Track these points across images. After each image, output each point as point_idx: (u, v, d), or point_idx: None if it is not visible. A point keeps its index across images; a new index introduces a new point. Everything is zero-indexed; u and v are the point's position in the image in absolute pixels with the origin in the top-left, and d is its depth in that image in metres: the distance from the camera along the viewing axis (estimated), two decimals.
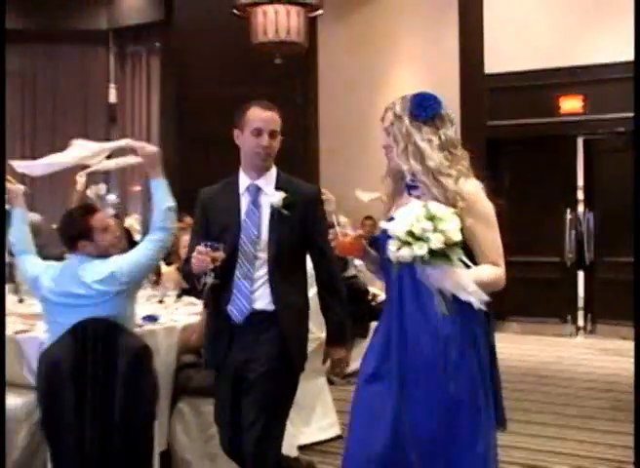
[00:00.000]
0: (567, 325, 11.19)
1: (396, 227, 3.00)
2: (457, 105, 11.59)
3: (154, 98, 13.46)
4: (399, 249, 2.98)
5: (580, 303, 11.42)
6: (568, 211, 11.20)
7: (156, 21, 12.91)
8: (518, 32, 11.08)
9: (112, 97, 13.78)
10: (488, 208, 3.29)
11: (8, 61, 13.64)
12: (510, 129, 11.33)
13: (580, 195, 11.52)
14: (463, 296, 3.04)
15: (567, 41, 10.76)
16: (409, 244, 2.95)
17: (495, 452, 3.29)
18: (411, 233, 2.95)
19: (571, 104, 10.96)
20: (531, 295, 11.20)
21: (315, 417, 6.03)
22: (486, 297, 3.04)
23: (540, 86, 10.96)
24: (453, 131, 3.37)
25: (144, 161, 4.51)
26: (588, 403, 7.34)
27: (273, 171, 4.09)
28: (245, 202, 4.02)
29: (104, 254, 4.54)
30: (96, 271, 4.43)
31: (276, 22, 8.95)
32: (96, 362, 4.19)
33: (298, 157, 10.64)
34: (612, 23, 9.78)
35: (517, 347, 10.17)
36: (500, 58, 11.29)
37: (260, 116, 3.98)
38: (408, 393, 3.17)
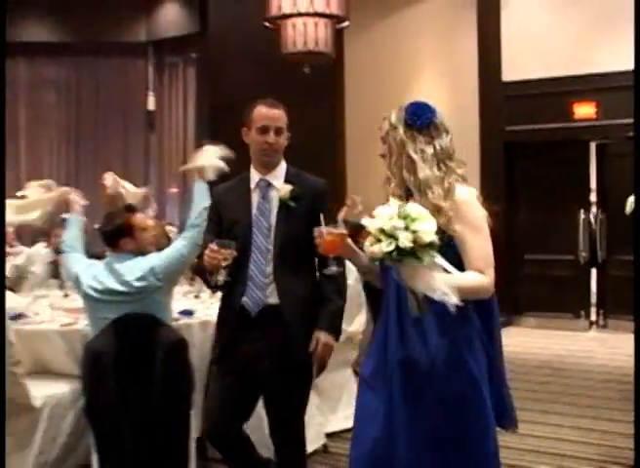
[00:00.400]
0: (580, 320, 11.14)
1: (371, 224, 2.89)
2: (476, 112, 11.65)
3: (190, 106, 13.53)
4: (372, 245, 2.87)
5: (593, 299, 11.36)
6: (581, 211, 11.15)
7: (192, 34, 12.97)
8: (534, 42, 11.08)
9: (151, 105, 13.86)
10: (478, 216, 3.16)
11: (55, 73, 13.84)
12: (527, 134, 11.30)
13: (593, 197, 11.47)
14: (436, 297, 2.87)
15: (580, 50, 10.72)
16: (379, 241, 2.84)
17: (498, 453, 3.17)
18: (382, 230, 2.83)
19: (584, 110, 10.91)
20: (546, 292, 11.18)
21: (342, 406, 6.04)
22: (454, 301, 2.84)
23: (554, 93, 10.92)
24: (448, 140, 3.22)
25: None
26: (602, 393, 7.32)
27: (282, 166, 4.02)
28: (256, 197, 3.95)
29: (143, 252, 4.58)
30: (135, 268, 4.47)
31: (305, 34, 8.94)
32: (135, 353, 4.22)
33: (325, 162, 10.66)
34: (623, 33, 9.70)
35: (533, 341, 10.16)
36: (517, 66, 11.30)
37: (266, 114, 3.93)
38: (403, 398, 3.06)
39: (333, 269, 3.52)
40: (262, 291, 3.84)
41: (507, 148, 11.48)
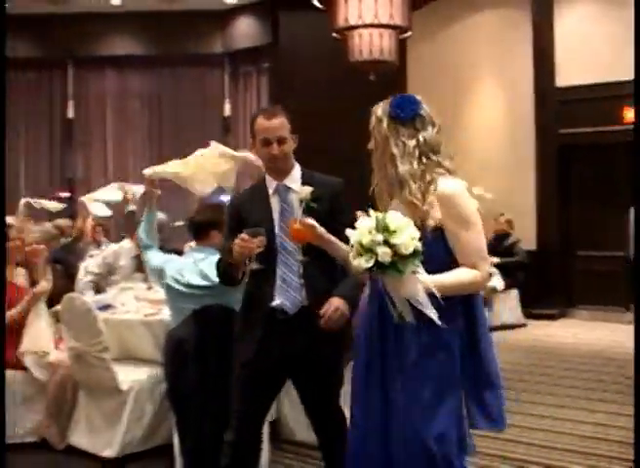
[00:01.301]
0: (629, 313, 10.94)
1: (352, 236, 2.71)
2: (531, 116, 11.54)
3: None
4: (354, 259, 2.70)
5: None
6: (631, 210, 10.94)
7: (265, 45, 13.02)
8: (586, 48, 10.94)
9: (227, 112, 13.95)
10: (467, 209, 2.92)
11: (140, 83, 14.00)
12: (579, 137, 11.13)
13: None
14: (418, 305, 2.72)
15: (630, 56, 10.51)
16: (360, 254, 2.67)
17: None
18: (361, 244, 2.66)
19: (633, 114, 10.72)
20: (597, 286, 11.01)
21: None
22: (428, 311, 2.70)
23: (606, 97, 10.74)
24: (434, 132, 3.01)
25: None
26: None
27: (297, 169, 3.79)
28: (276, 201, 3.71)
29: None
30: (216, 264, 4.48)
31: (370, 44, 8.95)
32: (214, 342, 4.22)
33: None
34: None
35: (586, 332, 9.99)
36: (570, 72, 11.15)
37: (266, 126, 3.66)
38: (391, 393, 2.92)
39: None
40: (298, 291, 3.63)
41: (561, 151, 11.34)
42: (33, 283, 5.59)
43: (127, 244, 6.89)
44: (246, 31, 13.50)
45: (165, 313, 5.11)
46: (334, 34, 9.35)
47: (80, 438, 5.14)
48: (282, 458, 5.01)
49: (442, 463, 2.85)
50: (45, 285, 5.51)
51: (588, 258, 11.19)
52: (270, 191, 3.74)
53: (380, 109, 3.07)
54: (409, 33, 9.56)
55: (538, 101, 11.51)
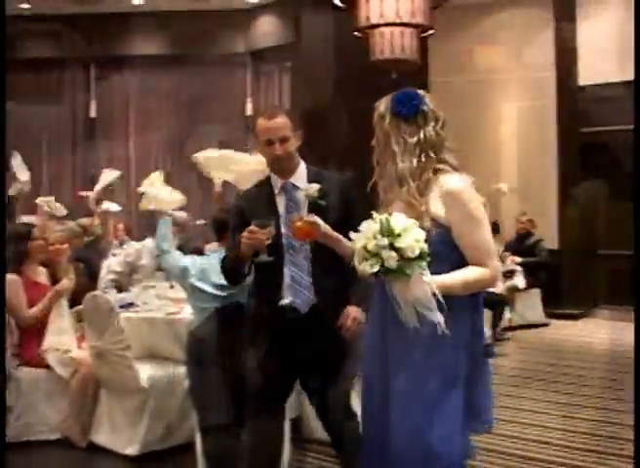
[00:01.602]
0: None
1: (356, 241, 2.66)
2: (554, 115, 11.48)
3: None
4: (359, 263, 2.64)
5: None
6: None
7: (287, 44, 13.01)
8: (609, 46, 10.85)
9: (249, 111, 13.95)
10: (472, 205, 2.86)
11: (163, 82, 14.04)
12: (602, 135, 11.06)
13: None
14: (423, 310, 2.66)
15: None
16: (365, 259, 2.61)
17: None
18: (365, 248, 2.61)
19: None
20: (620, 285, 10.92)
21: None
22: (433, 316, 2.64)
23: (628, 96, 10.66)
24: (439, 127, 2.95)
25: None
26: None
27: (302, 166, 3.72)
28: (282, 200, 3.65)
29: None
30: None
31: (392, 42, 8.92)
32: (235, 341, 4.22)
33: None
34: None
35: (607, 332, 9.92)
36: (592, 70, 11.08)
37: (267, 127, 3.60)
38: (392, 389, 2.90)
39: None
40: (309, 290, 3.58)
41: (583, 149, 11.28)
42: (55, 282, 5.62)
43: (149, 243, 6.91)
44: (268, 30, 13.51)
45: (187, 312, 5.13)
46: (355, 33, 9.34)
47: (102, 435, 5.18)
48: (303, 457, 5.01)
49: (445, 462, 2.83)
50: (66, 282, 5.55)
51: (611, 258, 11.10)
52: (276, 190, 3.68)
53: (382, 105, 3.02)
54: (431, 31, 9.53)
55: (560, 100, 11.45)
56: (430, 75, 12.52)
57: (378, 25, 8.93)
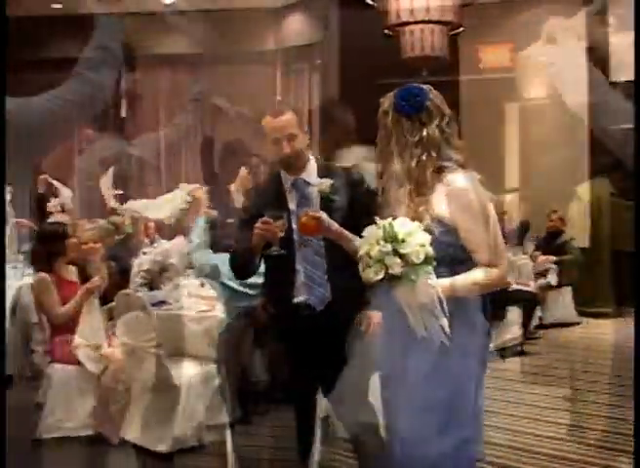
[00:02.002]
0: None
1: (360, 247, 2.62)
2: (585, 111, 11.37)
3: (314, 109, 13.57)
4: (363, 270, 2.60)
5: None
6: None
7: (317, 42, 13.02)
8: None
9: None
10: (478, 204, 2.75)
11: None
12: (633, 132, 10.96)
13: None
14: (430, 317, 2.60)
15: None
16: (369, 266, 2.56)
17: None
18: (369, 255, 2.55)
19: None
20: None
21: None
22: (439, 322, 2.58)
23: None
24: (444, 124, 2.86)
25: None
26: None
27: (312, 162, 3.67)
28: (292, 196, 3.60)
29: None
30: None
31: (422, 40, 8.93)
32: (266, 338, 4.23)
33: None
34: None
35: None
36: (624, 67, 10.98)
37: (274, 126, 3.60)
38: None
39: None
40: (324, 287, 3.53)
41: (614, 146, 11.17)
42: (85, 280, 5.64)
43: (179, 241, 6.93)
44: (298, 28, 13.52)
45: (218, 310, 5.14)
46: (385, 31, 9.34)
47: (134, 432, 5.20)
48: (333, 455, 5.01)
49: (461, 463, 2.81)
50: (98, 280, 5.57)
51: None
52: (287, 187, 3.64)
53: (387, 102, 2.93)
54: (460, 29, 9.51)
55: (591, 98, 11.36)
56: (461, 73, 12.50)
57: (407, 23, 8.93)
